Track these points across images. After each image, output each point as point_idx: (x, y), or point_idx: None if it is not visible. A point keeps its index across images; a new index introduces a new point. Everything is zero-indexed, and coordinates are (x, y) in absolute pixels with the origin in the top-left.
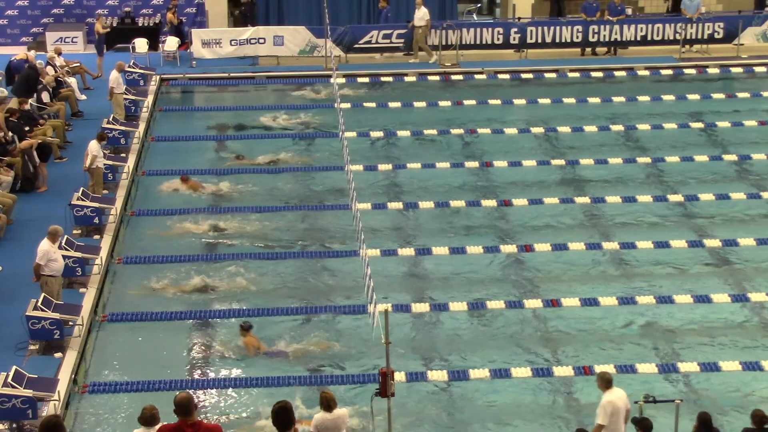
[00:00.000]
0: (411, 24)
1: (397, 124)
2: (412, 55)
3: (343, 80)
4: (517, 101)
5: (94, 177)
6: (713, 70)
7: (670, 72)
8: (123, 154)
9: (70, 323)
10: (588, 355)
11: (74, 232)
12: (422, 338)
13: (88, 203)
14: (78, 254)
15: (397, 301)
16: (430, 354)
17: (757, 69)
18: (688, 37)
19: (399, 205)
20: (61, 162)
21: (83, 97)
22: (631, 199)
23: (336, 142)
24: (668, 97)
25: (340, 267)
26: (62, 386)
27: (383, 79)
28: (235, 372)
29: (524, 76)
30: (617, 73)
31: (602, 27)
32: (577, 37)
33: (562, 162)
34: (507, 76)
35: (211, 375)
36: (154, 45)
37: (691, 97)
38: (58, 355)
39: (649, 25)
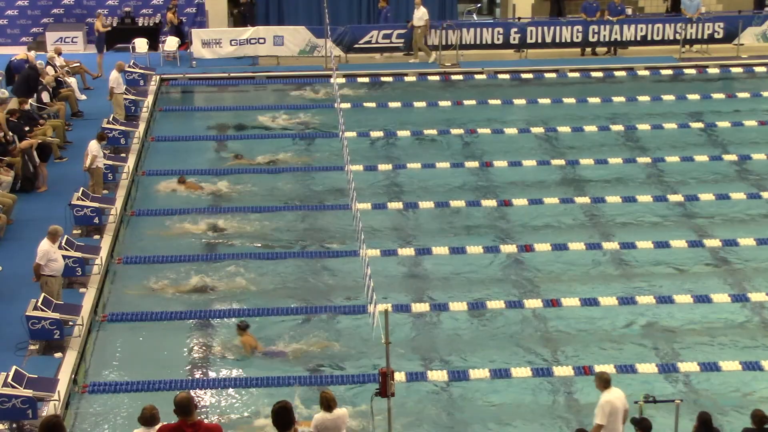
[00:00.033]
0: (410, 24)
1: (397, 124)
2: (412, 55)
3: (343, 80)
4: (517, 101)
5: (94, 177)
6: (713, 70)
7: (670, 72)
8: (123, 154)
9: (70, 323)
10: (588, 355)
11: (74, 232)
12: (422, 338)
13: (88, 203)
14: (78, 254)
15: (397, 301)
16: (430, 354)
17: (757, 69)
18: (688, 37)
19: (399, 205)
20: (61, 162)
21: (83, 97)
22: (631, 199)
23: (336, 142)
24: (668, 97)
25: (340, 267)
26: (62, 386)
27: (383, 79)
28: (235, 372)
29: (524, 76)
30: (617, 73)
31: (602, 27)
32: (577, 37)
33: (562, 162)
34: (507, 76)
35: (211, 375)
36: (154, 45)
37: (691, 97)
38: (58, 355)
39: (649, 25)
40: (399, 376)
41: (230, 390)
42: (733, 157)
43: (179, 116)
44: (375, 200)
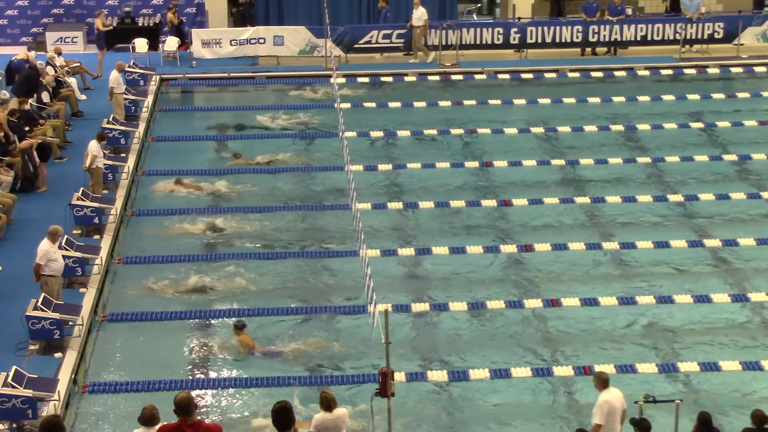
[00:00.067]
0: (409, 24)
1: (397, 124)
2: (411, 55)
3: (343, 80)
4: (517, 101)
5: (94, 177)
6: (713, 70)
7: (670, 72)
8: (123, 154)
9: (70, 323)
10: (588, 355)
11: (74, 232)
12: (422, 338)
13: (88, 203)
14: (78, 254)
15: (397, 301)
16: (430, 354)
17: (757, 69)
18: (688, 37)
19: (399, 205)
20: (61, 162)
21: (83, 97)
22: (631, 199)
23: (336, 142)
24: (668, 97)
25: (340, 267)
26: (62, 386)
27: (383, 79)
28: (235, 372)
29: (524, 76)
30: (617, 73)
31: (602, 27)
32: (577, 37)
33: (562, 162)
34: (507, 76)
35: (211, 375)
36: (154, 45)
37: (691, 97)
38: (58, 355)
39: (649, 25)
40: (399, 376)
41: (230, 390)
42: (733, 157)
43: (179, 116)
44: (375, 200)
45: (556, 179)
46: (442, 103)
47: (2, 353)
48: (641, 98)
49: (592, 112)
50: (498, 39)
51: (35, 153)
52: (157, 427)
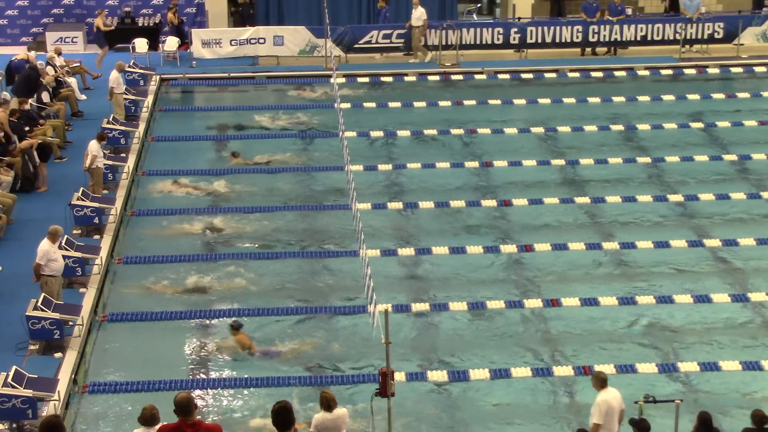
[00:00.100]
0: (408, 24)
1: (397, 124)
2: (411, 55)
3: (343, 80)
4: (517, 101)
5: (94, 177)
6: (713, 70)
7: (670, 72)
8: (123, 154)
9: (70, 323)
10: (588, 355)
11: (74, 232)
12: (422, 338)
13: (88, 203)
14: (78, 254)
15: (397, 301)
16: (430, 354)
17: (757, 69)
18: (688, 37)
19: (399, 205)
20: (61, 162)
21: (83, 97)
22: (631, 199)
23: (336, 142)
24: (668, 97)
25: (340, 267)
26: (62, 386)
27: (383, 79)
28: (235, 372)
29: (524, 76)
30: (617, 73)
31: (602, 27)
32: (577, 37)
33: (562, 162)
34: (507, 76)
35: (211, 375)
36: (154, 45)
37: (691, 97)
38: (58, 355)
39: (649, 25)
40: (399, 376)
41: (230, 390)
42: (733, 157)
43: (179, 116)
44: (375, 200)
45: (556, 179)
46: (442, 103)
47: (2, 353)
48: (641, 98)
49: (592, 112)
50: (498, 39)
51: (35, 153)
52: (157, 427)
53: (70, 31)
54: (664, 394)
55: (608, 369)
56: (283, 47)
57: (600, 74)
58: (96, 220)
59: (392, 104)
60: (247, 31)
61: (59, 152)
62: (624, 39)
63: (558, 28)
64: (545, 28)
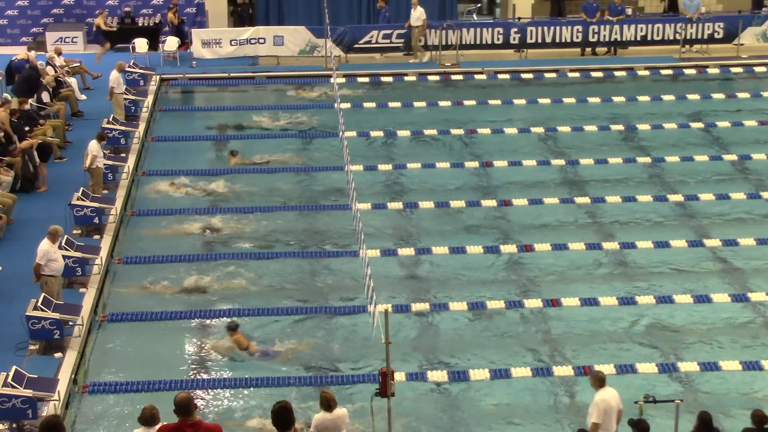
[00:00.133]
0: (408, 24)
1: (397, 124)
2: (411, 55)
3: (343, 80)
4: (517, 101)
5: (94, 177)
6: (713, 70)
7: (670, 72)
8: (123, 154)
9: (70, 323)
10: (588, 355)
11: (74, 232)
12: (422, 338)
13: (88, 203)
14: (78, 254)
15: (397, 301)
16: (430, 354)
17: (757, 69)
18: (688, 37)
19: (399, 205)
20: (61, 162)
21: (83, 97)
22: (631, 199)
23: (336, 142)
24: (668, 97)
25: (339, 267)
26: (62, 386)
27: (383, 79)
28: (235, 372)
29: (524, 76)
30: (617, 73)
31: (602, 27)
32: (577, 37)
33: (562, 162)
34: (507, 76)
35: (211, 375)
36: (154, 45)
37: (691, 97)
38: (58, 355)
39: (649, 25)
40: (399, 376)
41: (230, 390)
42: (733, 157)
43: (179, 116)
44: (375, 200)
45: (556, 179)
46: (442, 103)
47: (2, 353)
48: (641, 98)
49: (592, 112)
50: (498, 39)
51: (35, 153)
52: (157, 427)
53: (70, 31)
54: (664, 394)
55: (608, 369)
56: (283, 47)
57: (600, 74)
58: (96, 220)
59: (392, 104)
60: (247, 31)
61: (59, 152)
62: (624, 39)
63: (558, 28)
64: (545, 28)
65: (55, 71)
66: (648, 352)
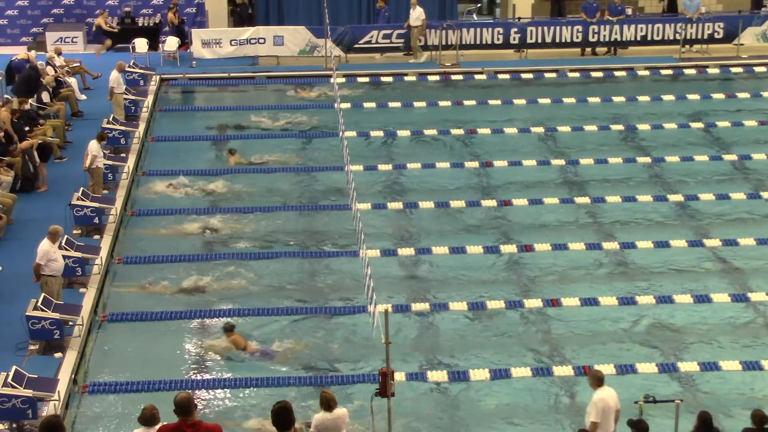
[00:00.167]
0: (407, 24)
1: (397, 124)
2: (411, 56)
3: (343, 80)
4: (517, 101)
5: (94, 177)
6: (713, 70)
7: (670, 72)
8: (123, 154)
9: (70, 323)
10: (588, 355)
11: (74, 232)
12: (422, 338)
13: (88, 203)
14: (78, 254)
15: (397, 301)
16: (430, 354)
17: (757, 69)
18: (688, 37)
19: (399, 205)
20: (61, 162)
21: (83, 97)
22: (631, 199)
23: (336, 141)
24: (668, 97)
25: (339, 267)
26: (62, 386)
27: (383, 79)
28: (235, 372)
29: (524, 76)
30: (617, 73)
31: (602, 27)
32: (577, 37)
33: (562, 162)
34: (507, 76)
35: (211, 375)
36: (154, 45)
37: (691, 97)
38: (58, 355)
39: (649, 25)
40: (399, 376)
41: (230, 390)
42: (733, 157)
43: (179, 116)
44: (375, 200)
45: (556, 179)
46: (442, 103)
47: (2, 353)
48: (641, 98)
49: (592, 112)
50: (498, 39)
51: (35, 153)
52: (157, 427)
53: (70, 31)
54: (664, 394)
55: (608, 369)
56: (283, 47)
57: (600, 74)
58: (96, 220)
59: (392, 104)
60: (247, 31)
61: (59, 152)
62: (624, 39)
63: (558, 28)
64: (545, 28)
65: (55, 71)
66: (648, 352)
